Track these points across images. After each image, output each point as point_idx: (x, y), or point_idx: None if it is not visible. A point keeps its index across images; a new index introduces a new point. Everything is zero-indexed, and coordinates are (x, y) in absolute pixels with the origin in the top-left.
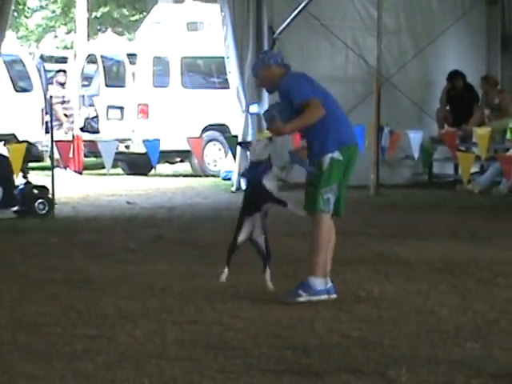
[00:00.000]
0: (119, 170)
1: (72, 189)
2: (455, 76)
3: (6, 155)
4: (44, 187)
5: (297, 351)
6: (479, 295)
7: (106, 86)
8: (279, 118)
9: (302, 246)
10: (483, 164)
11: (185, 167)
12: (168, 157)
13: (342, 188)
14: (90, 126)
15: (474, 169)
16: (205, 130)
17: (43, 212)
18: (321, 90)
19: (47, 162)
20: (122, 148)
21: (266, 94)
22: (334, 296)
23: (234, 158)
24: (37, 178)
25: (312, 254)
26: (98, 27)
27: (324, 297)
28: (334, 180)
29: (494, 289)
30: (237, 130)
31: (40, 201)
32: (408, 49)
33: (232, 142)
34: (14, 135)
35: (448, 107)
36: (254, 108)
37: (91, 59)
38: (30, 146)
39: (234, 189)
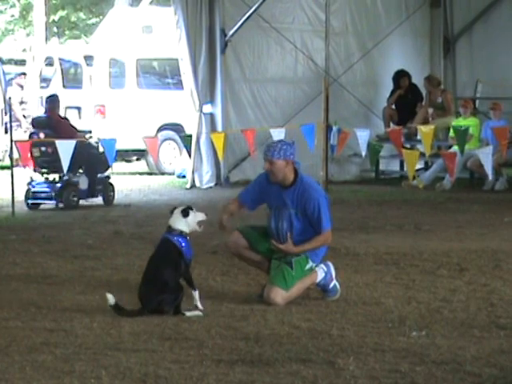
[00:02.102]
0: None
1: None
2: (401, 75)
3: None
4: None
5: (249, 342)
6: (423, 285)
7: (64, 87)
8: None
9: None
10: (427, 160)
11: (141, 165)
12: (125, 155)
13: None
14: None
15: (419, 165)
16: (160, 129)
17: (113, 200)
18: None
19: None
20: None
21: (218, 95)
22: None
23: (189, 156)
24: None
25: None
26: (56, 30)
27: None
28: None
29: (437, 279)
30: (191, 129)
31: (111, 190)
32: (355, 50)
33: (187, 141)
34: None
35: (394, 106)
36: (207, 108)
37: (49, 62)
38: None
39: (188, 186)
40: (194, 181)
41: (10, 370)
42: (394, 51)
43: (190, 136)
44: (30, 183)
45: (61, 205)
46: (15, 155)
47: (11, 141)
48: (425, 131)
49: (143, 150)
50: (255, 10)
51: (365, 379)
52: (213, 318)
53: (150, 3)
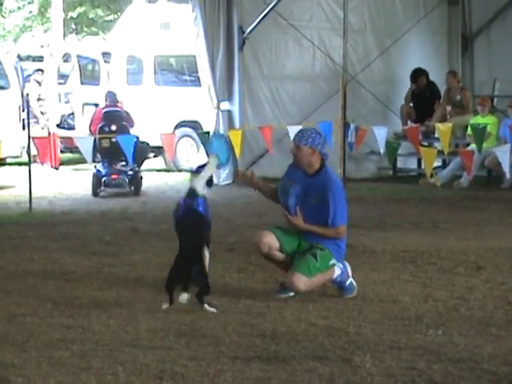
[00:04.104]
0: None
1: (48, 184)
2: (419, 74)
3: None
4: None
5: (266, 339)
6: (440, 283)
7: (82, 84)
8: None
9: None
10: (445, 158)
11: (158, 162)
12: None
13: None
14: (66, 123)
15: (437, 163)
16: (177, 126)
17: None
18: None
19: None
20: None
21: (236, 92)
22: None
23: (206, 153)
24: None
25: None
26: (74, 27)
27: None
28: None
29: (454, 277)
30: (208, 126)
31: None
32: (372, 48)
33: (204, 138)
34: None
35: (411, 104)
36: (224, 105)
37: (67, 58)
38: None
39: None
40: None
41: (27, 365)
42: (411, 49)
43: (208, 133)
44: (98, 173)
45: (132, 191)
46: (33, 152)
47: (29, 137)
48: (443, 129)
49: (160, 147)
50: (273, 8)
51: (381, 377)
52: (229, 315)
53: (168, 0)
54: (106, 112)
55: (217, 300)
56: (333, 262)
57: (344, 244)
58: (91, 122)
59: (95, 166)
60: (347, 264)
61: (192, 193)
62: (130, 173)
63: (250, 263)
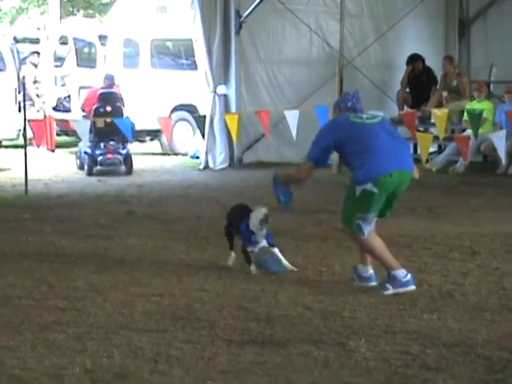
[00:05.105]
0: None
1: (44, 166)
2: (415, 59)
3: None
4: None
5: (260, 322)
6: (435, 268)
7: (78, 66)
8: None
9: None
10: (441, 144)
11: (154, 146)
12: (138, 135)
13: (391, 201)
14: (62, 106)
15: (433, 148)
16: (174, 109)
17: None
18: (347, 133)
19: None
20: None
21: (232, 76)
22: (373, 284)
23: (203, 137)
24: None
25: (376, 259)
26: (71, 9)
27: (411, 287)
28: (366, 210)
29: (449, 262)
30: (205, 110)
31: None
32: (369, 33)
33: (200, 122)
34: None
35: (408, 89)
36: (221, 89)
37: (63, 41)
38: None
39: (201, 167)
40: (207, 162)
41: (22, 348)
42: (408, 34)
43: (204, 117)
44: (86, 153)
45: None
46: (29, 134)
47: (25, 120)
48: (439, 114)
49: (157, 131)
50: None
51: (376, 361)
52: (224, 299)
53: None
54: (101, 93)
55: (212, 284)
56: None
57: (364, 167)
58: (85, 101)
59: (88, 147)
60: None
61: None
62: (124, 152)
63: None
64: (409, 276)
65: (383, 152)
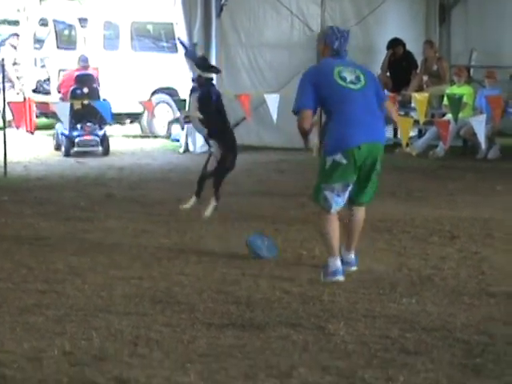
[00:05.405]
0: None
1: (24, 148)
2: (396, 43)
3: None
4: None
5: (240, 306)
6: (414, 252)
7: (58, 48)
8: None
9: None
10: (421, 128)
11: (134, 129)
12: (118, 118)
13: (369, 181)
14: (41, 88)
15: (413, 133)
16: (154, 92)
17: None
18: (326, 90)
19: None
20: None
21: (213, 60)
22: (354, 268)
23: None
24: None
25: (322, 241)
26: None
27: (337, 278)
28: (334, 180)
29: (429, 246)
30: (185, 93)
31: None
32: (350, 16)
33: (181, 106)
34: None
35: (388, 73)
36: None
37: (43, 22)
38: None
39: (181, 150)
40: (187, 145)
41: (1, 330)
42: (389, 18)
43: (184, 100)
44: (63, 134)
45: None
46: (8, 116)
47: (4, 102)
48: (419, 98)
49: (137, 114)
50: None
51: (355, 344)
52: (204, 282)
53: None
54: (78, 75)
55: (192, 267)
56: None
57: (334, 135)
58: (61, 83)
59: (65, 128)
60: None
61: None
62: (101, 133)
63: (225, 231)
64: (337, 265)
65: (354, 122)
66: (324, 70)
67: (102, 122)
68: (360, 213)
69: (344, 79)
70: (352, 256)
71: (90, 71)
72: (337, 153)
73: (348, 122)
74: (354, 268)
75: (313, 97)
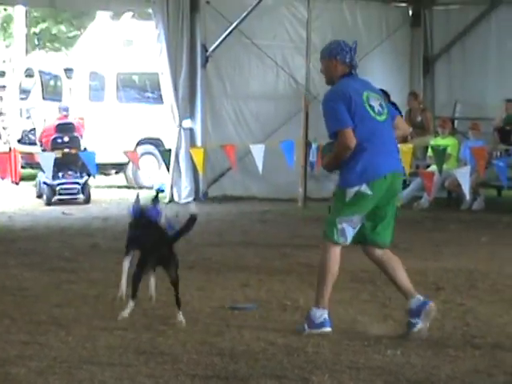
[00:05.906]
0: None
1: (9, 199)
2: None
3: None
4: None
5: (224, 357)
6: (399, 304)
7: (43, 99)
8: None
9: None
10: (406, 179)
11: (119, 179)
12: (103, 169)
13: (386, 218)
14: (27, 138)
15: None
16: (139, 143)
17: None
18: (357, 119)
19: None
20: None
21: (198, 110)
22: (432, 304)
23: (168, 170)
24: None
25: (318, 284)
26: (37, 42)
27: (327, 329)
28: (355, 212)
29: None
30: (170, 144)
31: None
32: None
33: (166, 156)
34: None
35: None
36: (187, 123)
37: (29, 73)
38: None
39: (166, 200)
40: (172, 195)
41: None
42: (374, 69)
43: (169, 150)
44: (45, 183)
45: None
46: None
47: None
48: (403, 150)
49: (122, 164)
50: (236, 26)
51: None
52: (188, 333)
53: (132, 17)
54: (58, 124)
55: (175, 318)
56: (349, 194)
57: (359, 165)
58: (41, 133)
59: (46, 177)
60: None
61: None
62: (82, 181)
63: (209, 281)
64: (325, 316)
65: (381, 153)
66: (353, 95)
67: (83, 170)
68: (388, 252)
69: (372, 108)
70: (421, 298)
71: (71, 120)
72: (361, 183)
73: (375, 153)
74: (431, 304)
75: (350, 116)
